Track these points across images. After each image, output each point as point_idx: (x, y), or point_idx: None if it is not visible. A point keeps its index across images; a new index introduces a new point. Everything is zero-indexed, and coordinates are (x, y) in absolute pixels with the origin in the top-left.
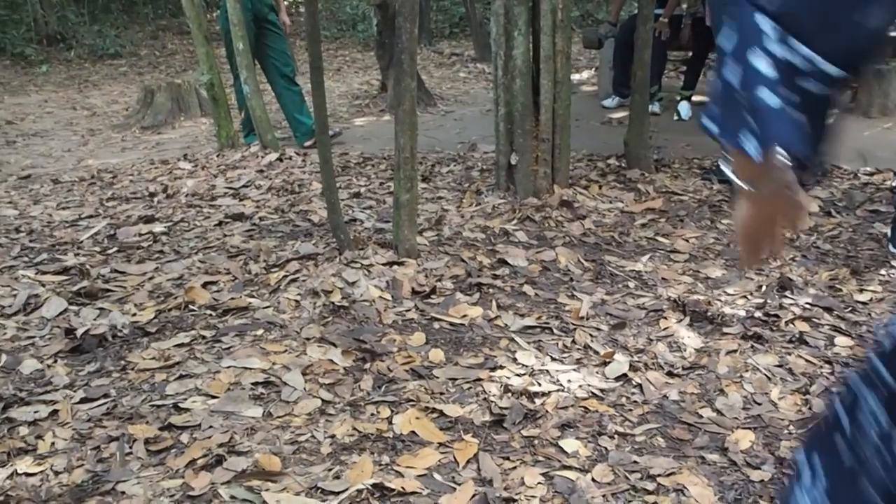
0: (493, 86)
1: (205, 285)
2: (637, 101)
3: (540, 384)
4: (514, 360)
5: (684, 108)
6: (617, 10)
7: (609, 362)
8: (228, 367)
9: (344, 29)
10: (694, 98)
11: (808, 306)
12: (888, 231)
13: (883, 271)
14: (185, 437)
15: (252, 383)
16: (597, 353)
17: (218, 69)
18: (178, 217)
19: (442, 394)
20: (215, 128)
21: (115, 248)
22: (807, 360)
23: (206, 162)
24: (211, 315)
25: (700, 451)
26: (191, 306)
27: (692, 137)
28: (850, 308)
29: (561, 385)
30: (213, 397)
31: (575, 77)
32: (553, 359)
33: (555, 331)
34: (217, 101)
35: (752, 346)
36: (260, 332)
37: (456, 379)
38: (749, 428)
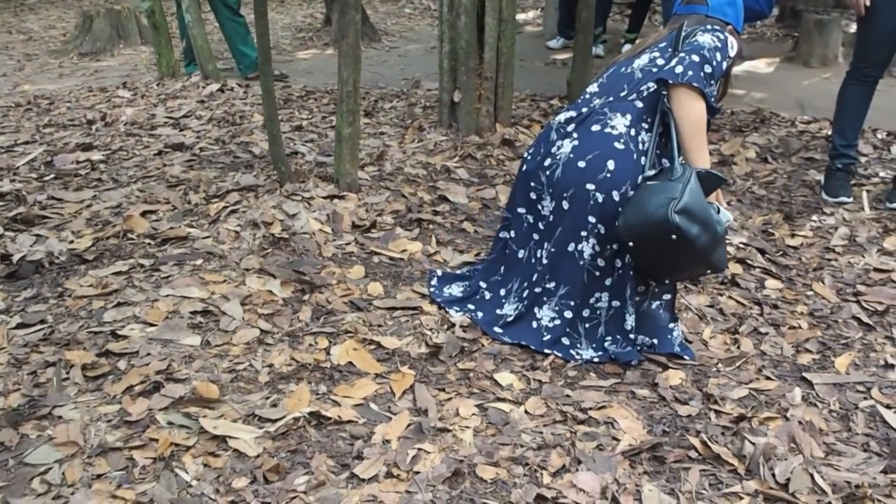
0: (439, 22)
1: (144, 214)
2: (581, 42)
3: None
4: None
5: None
6: None
7: None
8: (167, 295)
9: None
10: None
11: (741, 248)
12: (821, 178)
13: (815, 217)
14: (122, 364)
15: (191, 312)
16: None
17: None
18: (117, 146)
19: (380, 326)
20: (156, 56)
21: (52, 175)
22: (737, 301)
23: (146, 91)
24: (150, 244)
25: (630, 386)
26: (129, 235)
27: None
28: (781, 252)
29: None
30: (152, 325)
31: (520, 17)
32: None
33: None
34: (158, 29)
35: (686, 287)
36: (199, 261)
37: (394, 312)
38: (680, 365)
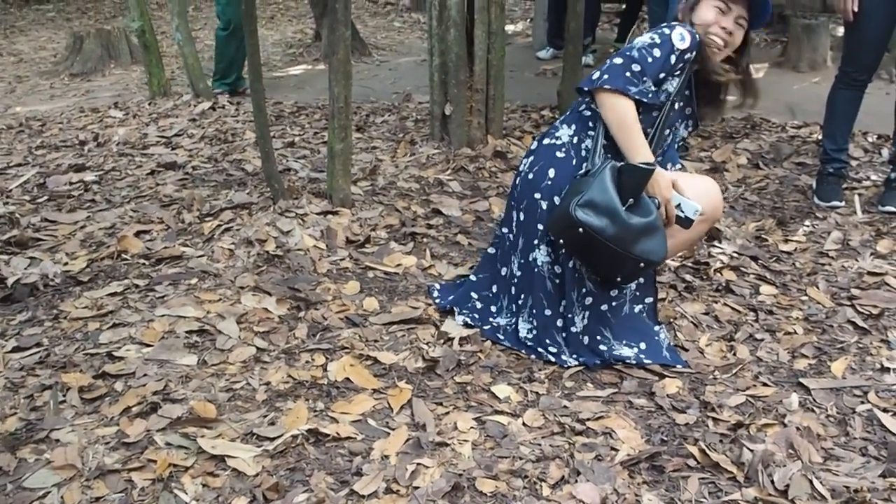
0: (428, 36)
1: (137, 234)
2: (570, 52)
3: (472, 332)
4: (447, 309)
5: None
6: None
7: None
8: (162, 315)
9: None
10: None
11: (735, 256)
12: (813, 183)
13: (807, 222)
14: (119, 386)
15: (186, 332)
16: None
17: (149, 16)
18: (110, 166)
19: (376, 341)
20: (146, 76)
21: (45, 197)
22: (732, 308)
23: (138, 110)
24: (144, 264)
25: (628, 395)
26: (123, 255)
27: None
28: (774, 258)
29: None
30: (148, 346)
31: (510, 28)
32: None
33: None
34: (148, 49)
35: (681, 295)
36: (194, 281)
37: (390, 327)
38: (676, 373)
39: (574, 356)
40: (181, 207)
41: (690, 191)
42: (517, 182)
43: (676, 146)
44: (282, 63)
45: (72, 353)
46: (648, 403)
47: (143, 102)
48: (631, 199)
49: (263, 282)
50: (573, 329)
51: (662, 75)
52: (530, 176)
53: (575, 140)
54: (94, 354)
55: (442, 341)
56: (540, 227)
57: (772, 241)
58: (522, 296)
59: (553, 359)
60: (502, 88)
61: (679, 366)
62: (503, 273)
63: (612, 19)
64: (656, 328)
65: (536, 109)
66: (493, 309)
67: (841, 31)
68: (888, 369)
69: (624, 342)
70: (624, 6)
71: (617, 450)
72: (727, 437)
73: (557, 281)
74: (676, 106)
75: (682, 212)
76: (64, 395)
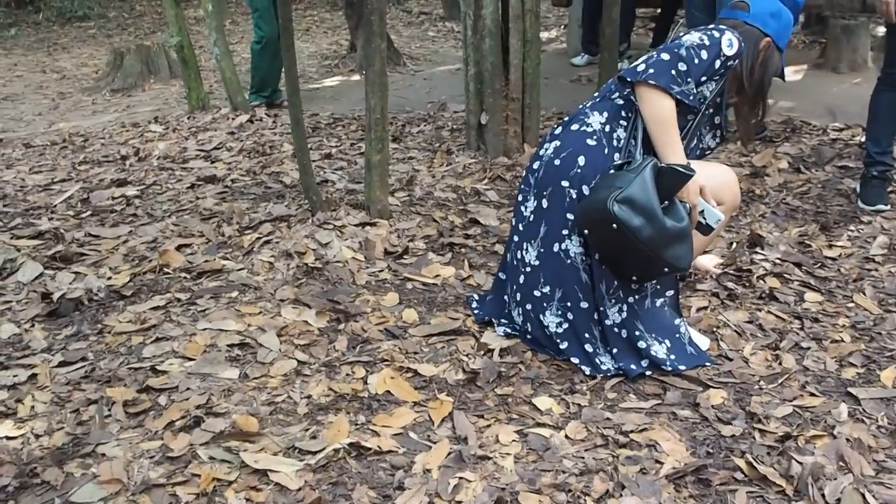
0: (463, 46)
1: (179, 248)
2: (606, 59)
3: (512, 342)
4: (484, 320)
5: None
6: None
7: None
8: (204, 329)
9: None
10: None
11: (778, 262)
12: (857, 186)
13: (852, 227)
14: (163, 399)
15: (228, 345)
16: None
17: (187, 31)
18: (151, 180)
19: (416, 353)
20: (185, 90)
21: (88, 212)
22: (777, 316)
23: (178, 124)
24: (185, 278)
25: (672, 407)
26: (165, 269)
27: None
28: (819, 264)
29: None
30: (190, 359)
31: (544, 35)
32: None
33: None
34: (187, 64)
35: (724, 303)
36: (234, 294)
37: (430, 338)
38: (721, 384)
39: (609, 352)
40: (221, 221)
41: (716, 196)
42: (538, 167)
43: (699, 154)
44: (318, 75)
45: (116, 367)
46: (693, 415)
47: (183, 116)
48: (665, 202)
49: (303, 294)
50: (607, 322)
51: (704, 78)
52: (557, 162)
53: (607, 129)
54: (137, 368)
55: (482, 353)
56: (570, 216)
57: (815, 246)
58: (546, 288)
59: (582, 364)
60: (538, 96)
61: (707, 364)
62: (508, 258)
63: (647, 24)
64: (677, 322)
65: None
66: (506, 298)
67: (881, 31)
68: None
69: (654, 336)
70: (659, 10)
71: (662, 463)
72: (775, 450)
73: (591, 272)
74: (707, 112)
75: (705, 219)
76: (109, 410)
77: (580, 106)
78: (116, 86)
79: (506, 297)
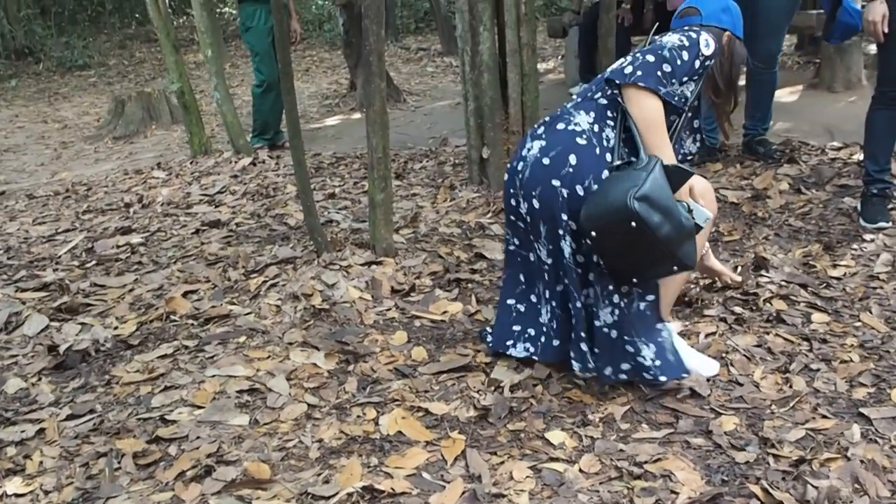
0: (462, 81)
1: (185, 294)
2: None
3: (522, 377)
4: (498, 353)
5: None
6: None
7: None
8: (213, 376)
9: (311, 29)
10: None
11: (783, 284)
12: (858, 205)
13: (855, 245)
14: (172, 450)
15: (237, 391)
16: None
17: (187, 76)
18: (155, 227)
19: (426, 392)
20: (187, 135)
21: (93, 262)
22: (785, 339)
23: (180, 170)
24: (193, 324)
25: (685, 435)
26: (172, 317)
27: None
28: (824, 284)
29: (543, 376)
30: (199, 407)
31: (542, 66)
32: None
33: None
34: (188, 109)
35: (731, 328)
36: (242, 339)
37: (439, 376)
38: (733, 409)
39: (596, 353)
40: (227, 265)
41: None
42: (522, 167)
43: (680, 159)
44: (318, 115)
45: (125, 418)
46: (706, 442)
47: (185, 162)
48: None
49: (311, 336)
50: (597, 322)
51: (685, 79)
52: (545, 161)
53: (595, 128)
54: (146, 419)
55: (493, 388)
56: (564, 216)
57: (820, 266)
58: (560, 285)
59: (575, 360)
60: None
61: (685, 376)
62: (532, 259)
63: None
64: (659, 326)
65: None
66: (534, 299)
67: (874, 48)
68: None
69: (643, 339)
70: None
71: (677, 493)
72: (790, 475)
73: (580, 271)
74: (687, 116)
75: (694, 218)
76: (119, 462)
77: (560, 107)
78: (118, 133)
79: (532, 298)
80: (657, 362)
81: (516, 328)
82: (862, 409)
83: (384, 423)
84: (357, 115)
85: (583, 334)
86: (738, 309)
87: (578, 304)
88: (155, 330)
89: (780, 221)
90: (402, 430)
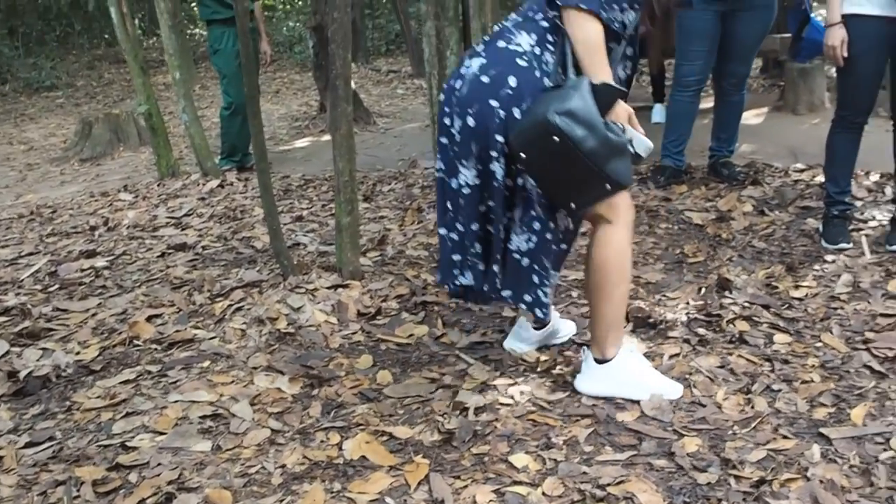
0: (429, 104)
1: (149, 319)
2: None
3: (487, 400)
4: (462, 376)
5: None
6: None
7: (555, 374)
8: (175, 401)
9: (281, 51)
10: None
11: (746, 305)
12: (820, 226)
13: (816, 266)
14: (133, 477)
15: (200, 417)
16: (543, 365)
17: (155, 98)
18: (120, 250)
19: (391, 416)
20: (155, 157)
21: (56, 286)
22: (747, 360)
23: (147, 192)
24: (156, 349)
25: (647, 457)
26: (135, 341)
27: None
28: (786, 305)
29: (508, 399)
30: (161, 433)
31: None
32: (500, 374)
33: (501, 345)
34: (156, 131)
35: (695, 349)
36: (206, 363)
37: (404, 400)
38: (695, 431)
39: (502, 278)
40: (192, 289)
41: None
42: (460, 85)
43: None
44: (288, 136)
45: (85, 445)
46: (668, 464)
47: (153, 184)
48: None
49: (276, 361)
50: (511, 246)
51: (625, 5)
52: (484, 79)
53: (537, 51)
54: (107, 446)
55: (457, 412)
56: (499, 137)
57: (782, 287)
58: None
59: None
60: None
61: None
62: (453, 185)
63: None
64: (553, 274)
65: None
66: (462, 228)
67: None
68: None
69: (549, 279)
70: None
71: None
72: (750, 496)
73: (507, 194)
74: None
75: (634, 147)
76: (78, 490)
77: (501, 23)
78: (85, 155)
79: (460, 227)
80: (545, 306)
81: (456, 257)
82: (822, 429)
83: (348, 447)
84: (327, 138)
85: (498, 256)
86: (701, 330)
87: (500, 227)
88: (118, 355)
89: (743, 243)
90: (366, 455)
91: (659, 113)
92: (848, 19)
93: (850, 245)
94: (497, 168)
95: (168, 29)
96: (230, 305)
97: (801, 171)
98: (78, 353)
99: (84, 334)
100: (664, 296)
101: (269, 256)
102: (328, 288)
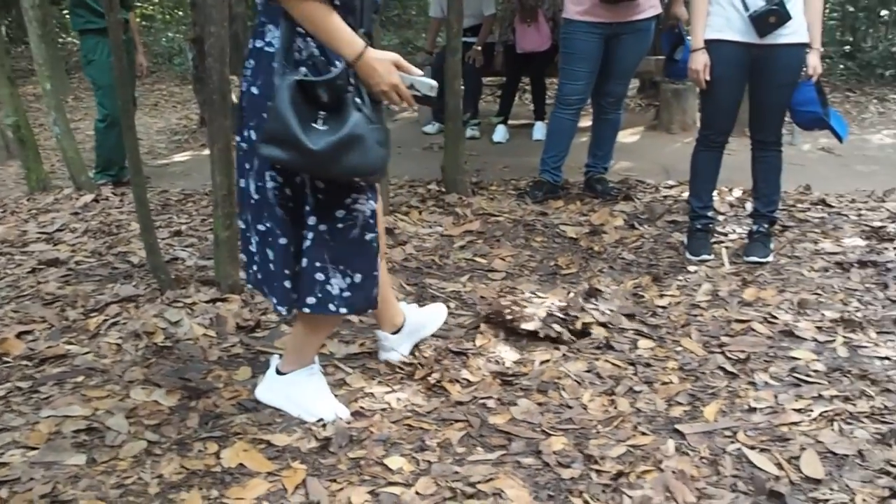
0: None
1: (19, 335)
2: (451, 128)
3: (364, 406)
4: (340, 385)
5: (500, 132)
6: (433, 40)
7: (431, 381)
8: (48, 416)
9: (160, 62)
10: (510, 122)
11: (610, 312)
12: (685, 239)
13: (680, 277)
14: (4, 492)
15: (74, 431)
16: (419, 372)
17: (24, 109)
18: None
19: (269, 424)
20: (24, 171)
21: None
22: (613, 364)
23: (16, 207)
24: (27, 366)
25: (516, 456)
26: (5, 358)
27: (510, 159)
28: (651, 312)
29: (384, 406)
30: (33, 449)
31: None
32: (377, 382)
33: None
34: (25, 143)
35: (564, 355)
36: (80, 378)
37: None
38: (562, 430)
39: (280, 284)
40: (65, 304)
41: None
42: (243, 99)
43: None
44: (167, 150)
45: None
46: (536, 461)
47: (22, 199)
48: (324, 113)
49: (153, 374)
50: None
51: None
52: (254, 90)
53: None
54: None
55: (334, 420)
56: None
57: (648, 296)
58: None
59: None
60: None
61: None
62: (241, 185)
63: (496, 91)
64: (378, 261)
65: (423, 184)
66: (245, 229)
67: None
68: (755, 409)
69: (342, 267)
70: (504, 79)
71: None
72: (609, 487)
73: (291, 205)
74: None
75: (419, 91)
76: None
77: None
78: None
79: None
80: (347, 294)
81: (245, 255)
82: (677, 426)
83: (225, 456)
84: (207, 152)
85: (286, 272)
86: (570, 337)
87: (282, 241)
88: None
89: (614, 255)
90: (244, 463)
91: (539, 130)
92: (710, 44)
93: (712, 256)
94: (269, 181)
95: (37, 38)
96: (105, 320)
97: (671, 187)
98: None
99: None
100: (536, 304)
101: (145, 271)
102: (207, 302)
